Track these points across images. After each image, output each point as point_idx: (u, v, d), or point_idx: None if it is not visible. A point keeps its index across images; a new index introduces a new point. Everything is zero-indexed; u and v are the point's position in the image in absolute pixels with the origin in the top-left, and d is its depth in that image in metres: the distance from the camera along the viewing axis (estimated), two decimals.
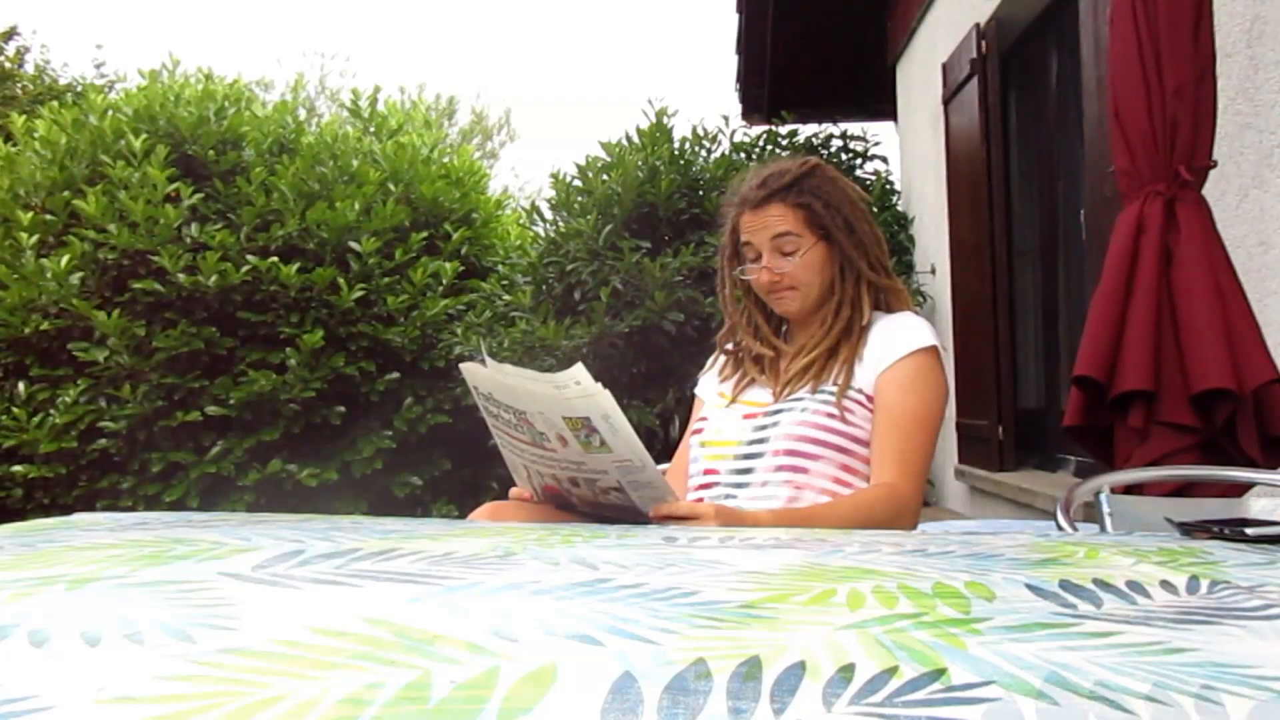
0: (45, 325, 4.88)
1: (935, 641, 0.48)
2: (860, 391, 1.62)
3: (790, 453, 1.58)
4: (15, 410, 4.83)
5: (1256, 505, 1.83)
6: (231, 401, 4.80)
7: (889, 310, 1.71)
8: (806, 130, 6.11)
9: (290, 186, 5.05)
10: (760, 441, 1.61)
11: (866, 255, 1.68)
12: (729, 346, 1.80)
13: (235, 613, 0.52)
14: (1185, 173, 2.09)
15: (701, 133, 5.89)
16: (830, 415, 1.60)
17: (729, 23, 6.94)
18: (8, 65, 11.12)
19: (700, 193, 5.64)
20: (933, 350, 1.64)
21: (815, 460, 1.58)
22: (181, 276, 4.75)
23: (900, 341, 1.63)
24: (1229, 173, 2.65)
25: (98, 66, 12.07)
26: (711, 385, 1.79)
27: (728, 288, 1.76)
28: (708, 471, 1.66)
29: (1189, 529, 1.12)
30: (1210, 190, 2.18)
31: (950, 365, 5.19)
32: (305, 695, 0.40)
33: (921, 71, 5.88)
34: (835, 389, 1.62)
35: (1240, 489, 1.94)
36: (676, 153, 5.75)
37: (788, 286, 1.67)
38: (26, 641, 0.47)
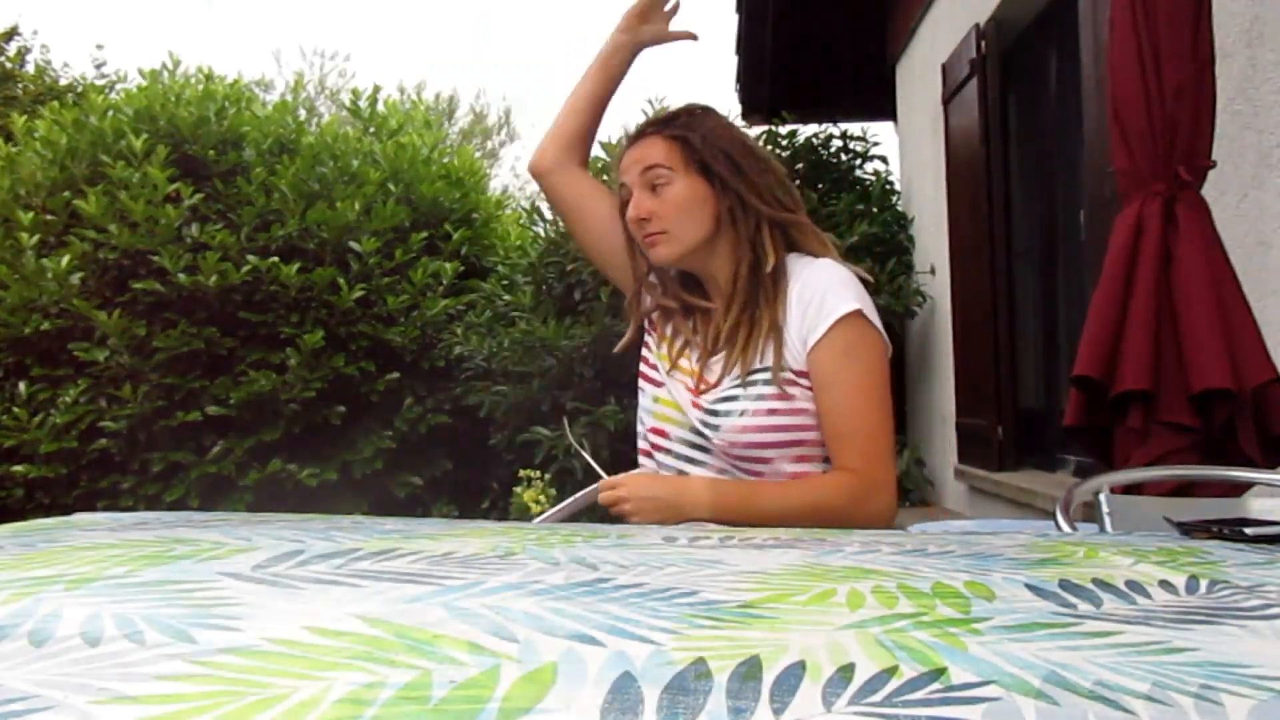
0: (45, 325, 4.88)
1: (935, 641, 0.48)
2: (791, 370, 1.47)
3: (738, 458, 1.48)
4: (15, 410, 4.83)
5: (1256, 505, 1.83)
6: (232, 401, 4.80)
7: (805, 251, 1.53)
8: (806, 130, 6.11)
9: (290, 186, 5.05)
10: (705, 439, 1.50)
11: (759, 192, 1.49)
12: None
13: (235, 613, 0.52)
14: (1185, 173, 2.09)
15: None
16: (771, 412, 1.46)
17: (729, 23, 6.93)
18: (8, 65, 11.12)
19: None
20: (862, 317, 1.46)
21: (766, 464, 1.48)
22: (182, 276, 4.75)
23: (824, 310, 1.45)
24: (1229, 173, 2.65)
25: (98, 66, 12.07)
26: (653, 340, 1.64)
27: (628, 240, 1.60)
28: (657, 431, 1.56)
29: (1188, 529, 1.12)
30: (1210, 190, 2.18)
31: (950, 365, 5.19)
32: (305, 695, 0.40)
33: (921, 71, 5.88)
34: (769, 375, 1.47)
35: (1240, 489, 1.94)
36: None
37: (657, 229, 1.49)
38: (26, 641, 0.47)
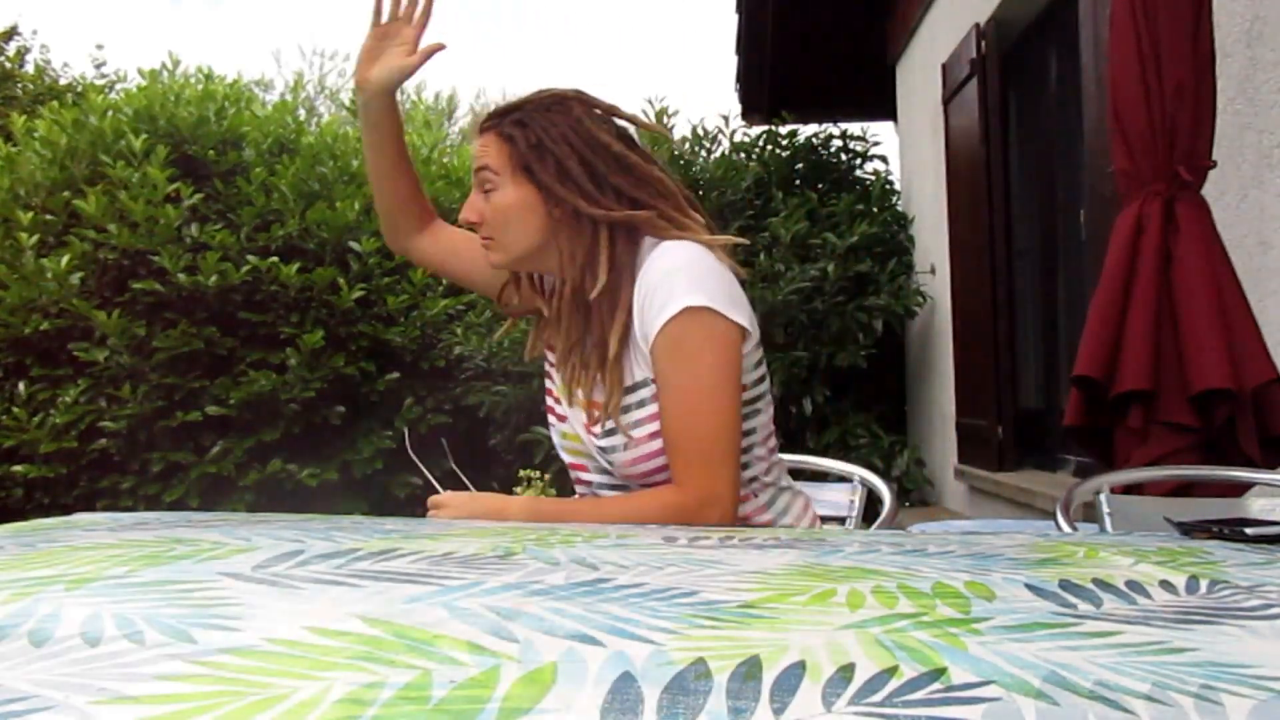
0: (45, 325, 4.88)
1: (935, 641, 0.48)
2: (649, 381, 1.35)
3: (648, 486, 1.38)
4: (15, 410, 4.83)
5: (1256, 505, 1.83)
6: (231, 401, 4.80)
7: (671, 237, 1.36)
8: (806, 130, 6.11)
9: (290, 186, 5.05)
10: (608, 473, 1.41)
11: (597, 197, 1.34)
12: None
13: (235, 613, 0.52)
14: (1185, 173, 2.09)
15: (701, 133, 5.89)
16: (654, 435, 1.34)
17: (729, 23, 6.93)
18: (8, 65, 11.12)
19: (700, 193, 5.63)
20: (698, 309, 1.29)
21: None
22: (181, 276, 4.75)
23: (656, 307, 1.31)
24: (1229, 173, 2.65)
25: (98, 66, 12.07)
26: (553, 370, 1.52)
27: None
28: (574, 466, 1.47)
29: (1189, 529, 1.12)
30: (1210, 190, 2.18)
31: (950, 365, 5.19)
32: (305, 695, 0.40)
33: (921, 71, 5.88)
34: (641, 395, 1.35)
35: (1240, 489, 1.94)
36: (676, 153, 5.75)
37: (485, 235, 1.39)
38: (26, 641, 0.47)
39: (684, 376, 1.31)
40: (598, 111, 1.40)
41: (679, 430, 1.31)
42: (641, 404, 1.35)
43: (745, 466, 1.39)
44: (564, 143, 1.35)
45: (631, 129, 1.45)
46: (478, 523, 1.11)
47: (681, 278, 1.31)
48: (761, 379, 1.41)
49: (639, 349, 1.35)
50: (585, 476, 1.46)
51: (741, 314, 1.33)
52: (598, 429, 1.39)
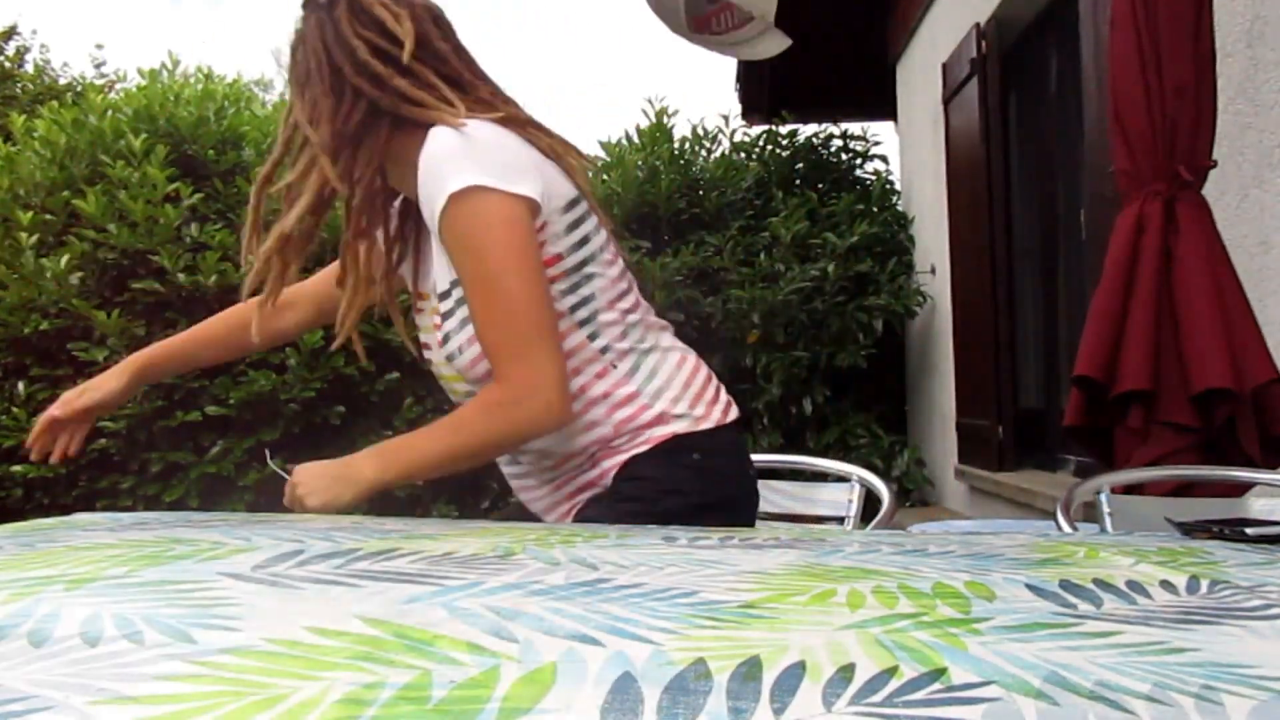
0: (45, 325, 4.88)
1: (935, 641, 0.48)
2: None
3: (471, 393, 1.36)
4: (15, 410, 4.83)
5: (1256, 505, 1.83)
6: (231, 401, 4.80)
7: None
8: (806, 130, 6.11)
9: None
10: (475, 389, 1.37)
11: (343, 87, 1.31)
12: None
13: (235, 613, 0.52)
14: (1185, 173, 2.09)
15: (701, 133, 5.90)
16: (470, 350, 1.32)
17: None
18: (8, 65, 11.12)
19: (700, 193, 5.64)
20: (467, 192, 1.23)
21: None
22: (181, 276, 4.75)
23: (426, 200, 1.27)
24: (1229, 173, 2.65)
25: (98, 66, 12.09)
26: None
27: None
28: (454, 395, 1.45)
29: (1189, 529, 1.12)
30: (1210, 190, 2.18)
31: (950, 365, 5.19)
32: (305, 695, 0.40)
33: (921, 71, 5.88)
34: (447, 290, 1.34)
35: (1240, 489, 1.94)
36: (676, 153, 5.75)
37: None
38: (26, 641, 0.47)
39: (472, 267, 1.26)
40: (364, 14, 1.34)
41: (482, 325, 1.27)
42: (460, 303, 1.32)
43: (593, 338, 1.34)
44: (318, 44, 1.33)
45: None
46: (477, 523, 1.10)
47: (447, 161, 1.25)
48: (584, 241, 1.34)
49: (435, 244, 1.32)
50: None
51: (526, 183, 1.26)
52: (435, 343, 1.39)
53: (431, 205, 1.26)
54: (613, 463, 1.37)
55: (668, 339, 1.43)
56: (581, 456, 1.39)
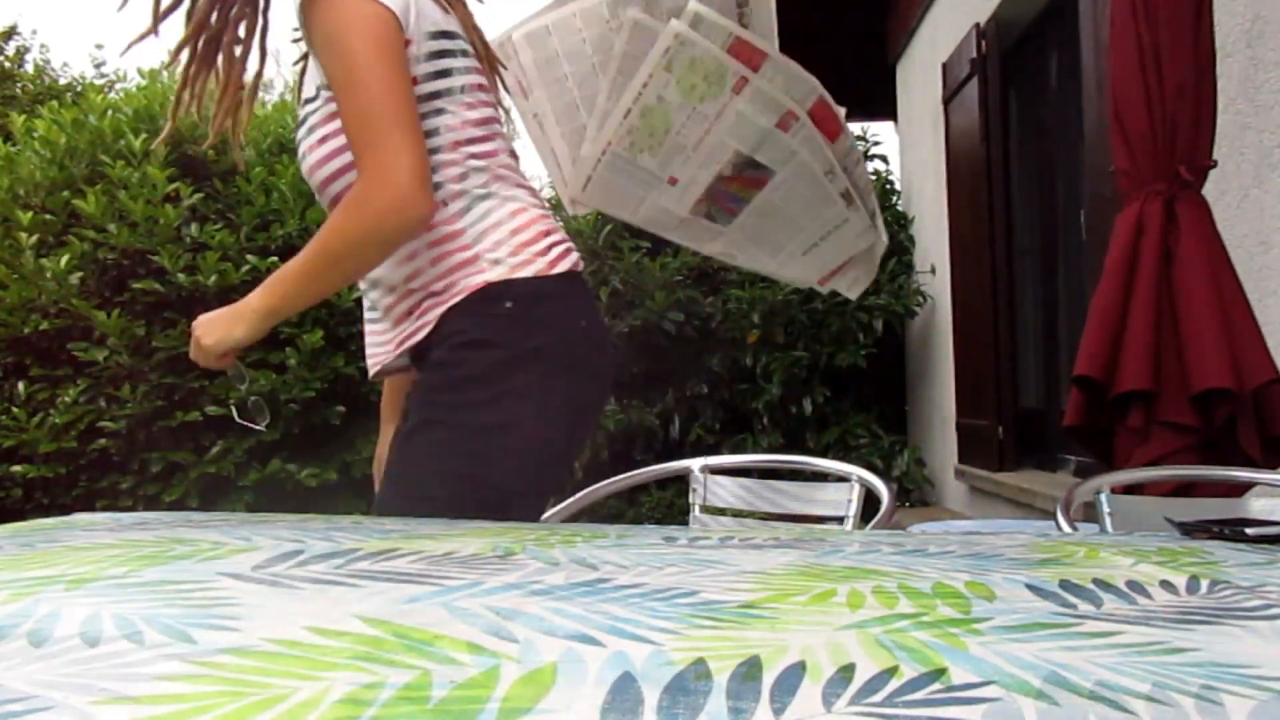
0: (45, 325, 4.88)
1: (935, 641, 0.48)
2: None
3: (332, 204, 1.40)
4: (15, 410, 4.83)
5: (1256, 505, 1.83)
6: (231, 401, 4.79)
7: None
8: None
9: (290, 186, 5.05)
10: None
11: None
12: None
13: (235, 613, 0.52)
14: (1185, 173, 2.09)
15: None
16: (322, 140, 1.39)
17: None
18: (8, 65, 11.12)
19: None
20: None
21: None
22: (181, 276, 4.75)
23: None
24: (1229, 173, 2.65)
25: (98, 66, 12.08)
26: None
27: None
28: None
29: (1189, 529, 1.12)
30: (1210, 190, 2.18)
31: (950, 365, 5.19)
32: (305, 695, 0.40)
33: (921, 71, 5.88)
34: (312, 96, 1.40)
35: (1240, 489, 1.94)
36: None
37: None
38: (26, 641, 0.47)
39: (333, 64, 1.30)
40: None
41: (345, 121, 1.30)
42: (317, 110, 1.38)
43: (432, 170, 1.36)
44: None
45: None
46: (477, 523, 1.10)
47: None
48: (444, 74, 1.38)
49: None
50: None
51: None
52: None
53: (297, 5, 1.31)
54: (434, 315, 1.37)
55: (512, 190, 1.42)
56: (409, 300, 1.40)
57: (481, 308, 1.35)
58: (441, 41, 1.36)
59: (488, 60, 1.44)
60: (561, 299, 1.40)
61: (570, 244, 1.44)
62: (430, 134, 1.35)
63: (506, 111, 1.51)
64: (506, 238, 1.37)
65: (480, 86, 1.41)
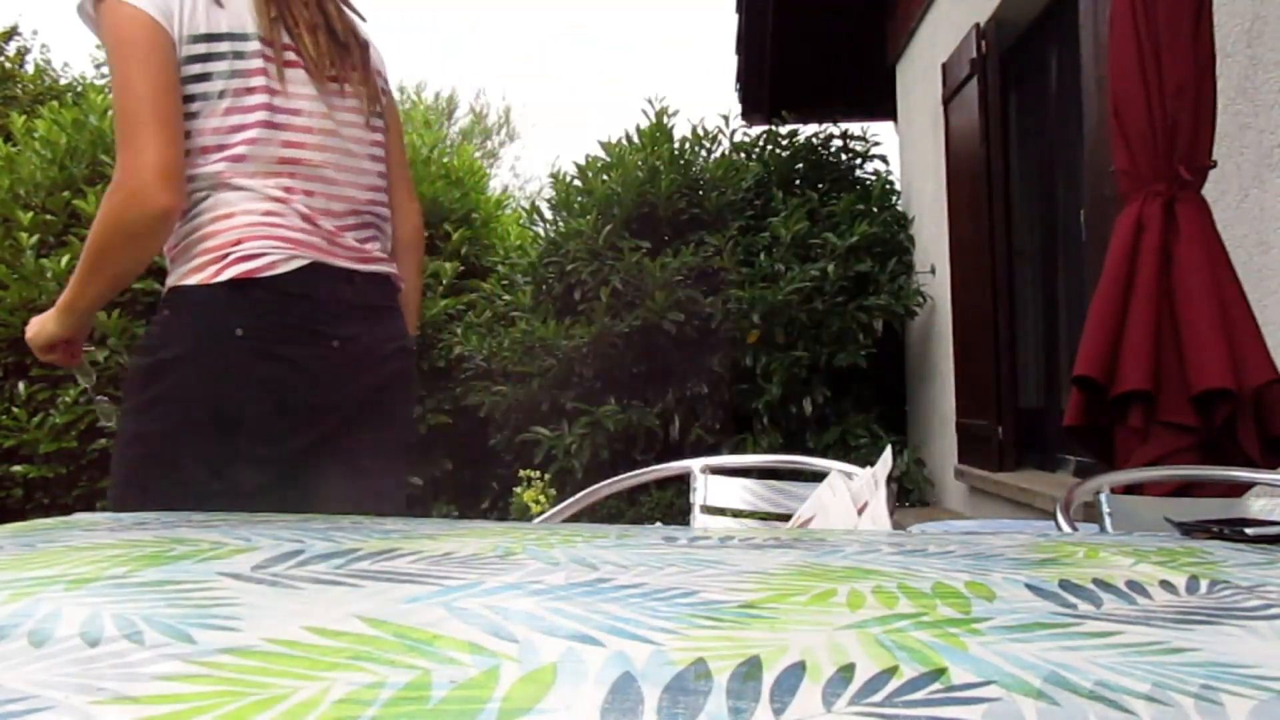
0: None
1: (935, 641, 0.48)
2: None
3: None
4: (15, 410, 4.83)
5: (1256, 505, 1.83)
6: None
7: None
8: (806, 130, 6.11)
9: None
10: None
11: None
12: None
13: (235, 613, 0.52)
14: (1185, 173, 2.09)
15: (701, 133, 5.90)
16: None
17: (729, 23, 6.94)
18: (8, 65, 11.12)
19: (700, 193, 5.64)
20: (96, 2, 1.37)
21: None
22: None
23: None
24: (1229, 173, 2.65)
25: (98, 66, 12.06)
26: None
27: None
28: None
29: (1189, 529, 1.12)
30: (1210, 190, 2.18)
31: (950, 365, 5.19)
32: (305, 695, 0.40)
33: (921, 71, 5.88)
34: None
35: (1240, 489, 1.94)
36: (676, 153, 5.75)
37: None
38: (26, 641, 0.47)
39: (109, 67, 1.37)
40: None
41: (114, 120, 1.39)
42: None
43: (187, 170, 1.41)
44: None
45: None
46: (477, 523, 1.11)
47: None
48: (200, 78, 1.40)
49: None
50: None
51: (146, 1, 1.35)
52: None
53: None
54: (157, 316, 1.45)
55: (231, 196, 1.42)
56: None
57: (159, 313, 1.44)
58: (202, 45, 1.40)
59: (314, 60, 1.46)
60: (213, 307, 1.40)
61: (273, 254, 1.42)
62: (186, 135, 1.40)
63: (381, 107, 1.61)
64: (195, 243, 1.43)
65: (252, 90, 1.42)
